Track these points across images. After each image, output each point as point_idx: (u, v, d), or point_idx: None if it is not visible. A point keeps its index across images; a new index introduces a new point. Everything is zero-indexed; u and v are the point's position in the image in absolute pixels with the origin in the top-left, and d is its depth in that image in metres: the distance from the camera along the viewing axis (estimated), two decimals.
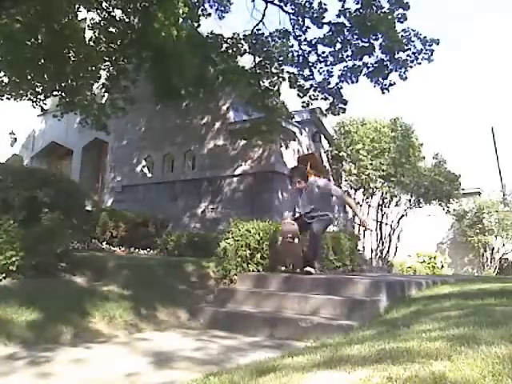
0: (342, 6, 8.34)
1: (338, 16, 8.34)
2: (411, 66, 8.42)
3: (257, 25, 9.12)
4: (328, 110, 9.12)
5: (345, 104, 8.93)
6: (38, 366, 2.52)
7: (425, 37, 8.25)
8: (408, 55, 8.35)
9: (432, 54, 8.31)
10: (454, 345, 1.76)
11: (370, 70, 8.57)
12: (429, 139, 12.97)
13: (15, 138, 15.51)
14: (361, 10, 8.12)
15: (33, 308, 3.28)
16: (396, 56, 8.31)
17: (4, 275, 3.79)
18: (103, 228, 7.41)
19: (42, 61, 7.75)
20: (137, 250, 7.30)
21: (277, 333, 3.55)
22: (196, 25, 8.06)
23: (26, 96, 8.75)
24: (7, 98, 8.79)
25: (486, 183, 15.94)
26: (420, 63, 8.37)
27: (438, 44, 8.29)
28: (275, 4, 9.07)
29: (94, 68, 8.48)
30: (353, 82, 8.83)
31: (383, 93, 8.63)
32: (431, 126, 15.15)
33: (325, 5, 8.52)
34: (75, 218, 5.28)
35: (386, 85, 8.62)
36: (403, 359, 1.64)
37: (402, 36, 8.15)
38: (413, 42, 8.28)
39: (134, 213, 8.10)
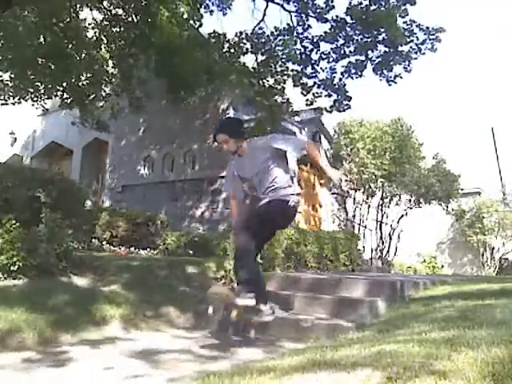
0: (350, 4, 8.34)
1: (346, 14, 8.34)
2: (415, 58, 8.44)
3: (258, 24, 9.14)
4: (332, 106, 9.09)
5: (349, 100, 8.92)
6: (39, 366, 2.53)
7: (427, 27, 8.24)
8: (411, 47, 8.37)
9: (439, 41, 8.24)
10: (454, 345, 1.77)
11: (375, 63, 8.57)
12: (429, 139, 12.99)
13: (15, 138, 15.53)
14: (365, 6, 8.10)
15: (33, 308, 3.28)
16: (399, 49, 8.31)
17: (5, 275, 3.80)
18: (103, 228, 7.42)
19: (44, 60, 7.78)
20: (137, 249, 7.31)
21: (276, 333, 3.56)
22: (198, 24, 8.09)
23: (28, 96, 8.78)
24: (12, 104, 8.83)
25: (486, 183, 15.94)
26: (424, 53, 8.38)
27: (442, 32, 8.24)
28: (276, 3, 9.08)
29: (97, 67, 8.52)
30: (357, 77, 8.84)
31: (389, 85, 8.64)
32: (431, 126, 15.15)
33: (332, 2, 8.51)
34: (76, 218, 5.28)
35: (391, 77, 8.63)
36: (403, 359, 1.65)
37: (404, 29, 8.14)
38: (415, 34, 8.28)
39: (134, 213, 8.11)
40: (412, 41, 8.30)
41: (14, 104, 8.96)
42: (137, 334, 3.60)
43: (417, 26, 8.25)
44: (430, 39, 8.26)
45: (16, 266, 3.81)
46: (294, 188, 3.28)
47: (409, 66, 8.49)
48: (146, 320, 3.86)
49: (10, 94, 8.79)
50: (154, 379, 2.34)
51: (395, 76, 8.61)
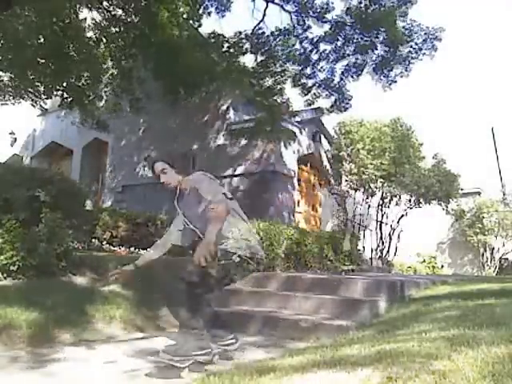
0: (349, 4, 8.36)
1: (346, 14, 8.35)
2: (416, 58, 8.45)
3: (258, 24, 9.15)
4: (333, 106, 9.10)
5: (350, 100, 8.93)
6: (39, 365, 2.53)
7: (427, 27, 8.27)
8: (411, 47, 8.38)
9: (439, 41, 8.27)
10: (454, 345, 1.77)
11: (375, 63, 8.57)
12: (429, 139, 12.95)
13: (15, 138, 15.53)
14: (365, 6, 8.10)
15: (33, 308, 3.28)
16: (400, 49, 8.32)
17: (5, 275, 3.80)
18: (103, 228, 7.41)
19: (44, 60, 7.78)
20: (137, 250, 7.30)
21: (277, 332, 3.56)
22: (197, 24, 8.10)
23: (27, 96, 8.79)
24: (11, 104, 8.84)
25: (486, 183, 15.92)
26: (424, 53, 8.39)
27: (442, 31, 8.26)
28: (276, 3, 9.09)
29: (97, 68, 8.52)
30: (357, 77, 8.86)
31: (390, 84, 8.66)
32: (431, 126, 15.09)
33: (332, 3, 8.55)
34: (76, 218, 5.27)
35: (391, 77, 8.64)
36: (403, 359, 1.64)
37: (404, 29, 8.15)
38: (415, 33, 8.30)
39: (134, 213, 8.10)
40: (412, 40, 8.32)
41: (13, 104, 8.97)
42: (137, 334, 3.60)
43: (417, 25, 8.27)
44: (430, 39, 8.29)
45: (16, 266, 3.81)
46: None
47: (409, 65, 8.51)
48: (145, 320, 3.85)
49: (10, 94, 8.80)
50: (157, 378, 2.34)
51: (395, 75, 8.63)
